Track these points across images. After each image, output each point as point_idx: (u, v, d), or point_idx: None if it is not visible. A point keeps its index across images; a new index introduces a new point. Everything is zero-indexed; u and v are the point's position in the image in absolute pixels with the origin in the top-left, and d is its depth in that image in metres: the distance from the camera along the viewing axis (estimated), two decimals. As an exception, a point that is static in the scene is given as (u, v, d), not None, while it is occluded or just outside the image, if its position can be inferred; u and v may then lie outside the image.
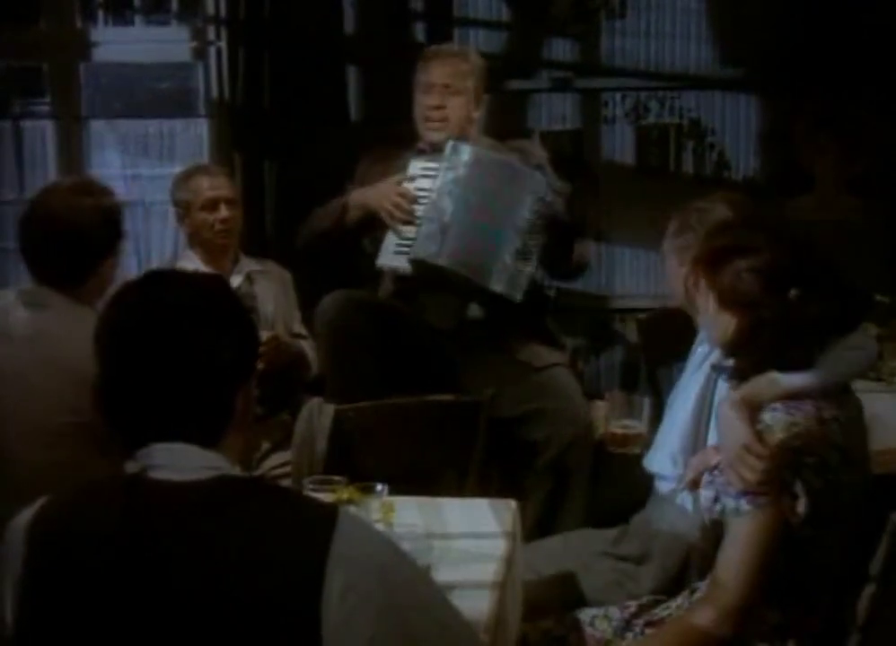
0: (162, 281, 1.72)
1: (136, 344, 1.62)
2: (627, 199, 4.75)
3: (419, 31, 4.65)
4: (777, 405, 2.17)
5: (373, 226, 3.62)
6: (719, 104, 4.75)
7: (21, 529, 1.65)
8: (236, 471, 1.67)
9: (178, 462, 1.62)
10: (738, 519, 2.14)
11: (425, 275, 3.55)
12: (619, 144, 4.81)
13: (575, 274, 3.87)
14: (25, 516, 1.66)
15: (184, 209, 3.76)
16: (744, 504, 2.13)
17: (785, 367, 2.19)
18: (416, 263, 3.52)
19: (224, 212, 3.73)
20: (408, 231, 3.53)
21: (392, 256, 3.56)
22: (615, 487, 3.30)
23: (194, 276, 1.79)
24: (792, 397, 2.17)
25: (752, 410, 2.16)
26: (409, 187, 3.56)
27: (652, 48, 4.73)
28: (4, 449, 2.65)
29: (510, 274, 3.47)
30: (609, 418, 2.80)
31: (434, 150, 3.64)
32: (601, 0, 4.69)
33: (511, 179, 3.51)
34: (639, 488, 2.90)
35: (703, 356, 2.77)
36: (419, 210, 3.53)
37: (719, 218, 2.68)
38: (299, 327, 3.89)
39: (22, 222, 2.81)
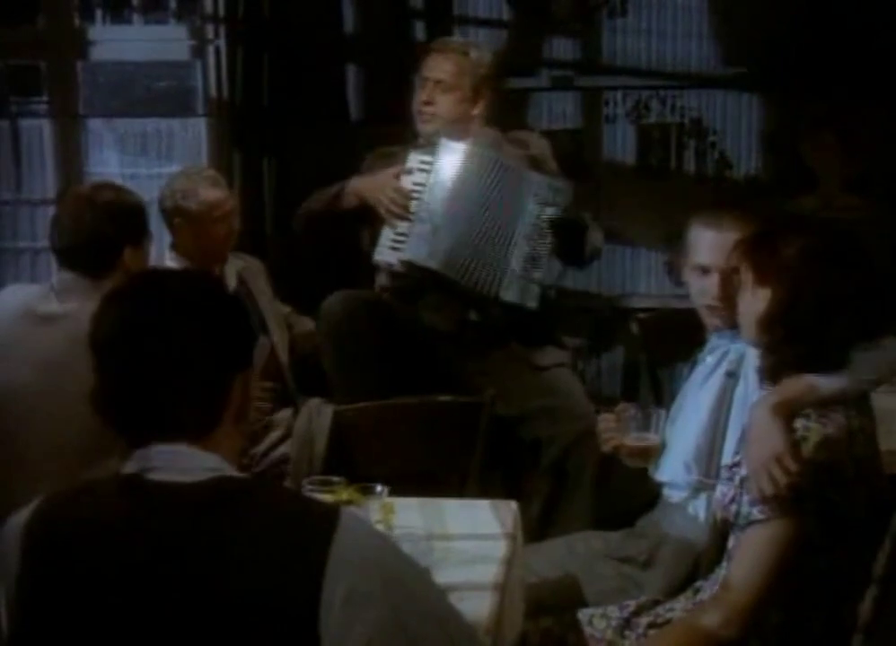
0: (150, 278, 1.77)
1: (125, 339, 1.64)
2: (628, 199, 4.74)
3: (419, 30, 4.64)
4: (810, 411, 2.14)
5: (370, 217, 3.60)
6: (721, 103, 4.73)
7: (17, 529, 1.64)
8: (234, 472, 1.66)
9: (176, 464, 1.61)
10: (751, 527, 2.13)
11: (417, 276, 3.53)
12: (621, 144, 4.80)
13: (589, 262, 3.83)
14: (21, 516, 1.65)
15: (186, 218, 3.59)
16: (756, 513, 2.12)
17: (821, 361, 2.16)
18: (406, 264, 3.51)
19: (235, 224, 3.66)
20: (404, 226, 3.51)
21: (388, 251, 3.54)
22: (618, 491, 3.28)
23: (181, 273, 1.88)
24: (826, 402, 2.14)
25: (788, 416, 2.14)
26: (407, 179, 3.54)
27: (653, 47, 4.71)
28: (33, 430, 2.72)
29: (522, 282, 3.45)
30: (624, 431, 2.77)
31: (431, 144, 3.62)
32: (601, -2, 4.69)
33: (510, 183, 3.49)
34: (643, 492, 2.88)
35: (713, 365, 2.75)
36: (413, 206, 3.51)
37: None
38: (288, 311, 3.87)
39: (51, 222, 3.01)
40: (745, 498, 2.16)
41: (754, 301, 2.25)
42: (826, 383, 2.15)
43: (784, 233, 2.26)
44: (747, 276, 2.28)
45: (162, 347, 1.61)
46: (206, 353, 1.63)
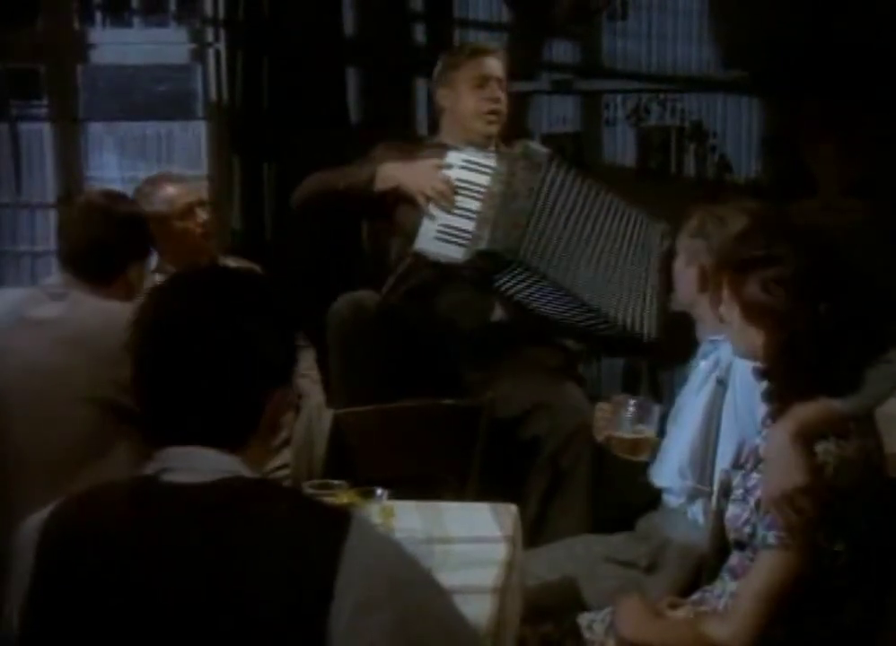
0: (205, 274, 1.72)
1: (172, 334, 1.61)
2: (627, 202, 4.73)
3: (419, 33, 4.63)
4: (829, 435, 2.12)
5: (382, 205, 3.56)
6: (721, 106, 4.73)
7: (32, 531, 1.64)
8: (248, 474, 1.64)
9: (193, 465, 1.60)
10: (766, 550, 2.12)
11: (481, 268, 3.44)
12: (620, 147, 4.79)
13: None
14: (37, 518, 1.65)
15: (154, 222, 3.43)
16: (772, 539, 2.10)
17: (832, 386, 2.14)
18: (483, 254, 3.39)
19: (202, 215, 3.63)
20: (449, 219, 3.45)
21: (434, 242, 3.46)
22: (616, 491, 3.28)
23: (238, 272, 1.79)
24: (844, 423, 2.13)
25: (807, 443, 2.11)
26: (449, 174, 3.52)
27: (653, 50, 4.71)
28: (25, 435, 2.72)
29: (648, 313, 3.48)
30: (617, 423, 2.77)
31: (473, 145, 3.61)
32: (602, 1, 4.68)
33: (618, 211, 3.56)
34: (642, 493, 2.88)
35: (707, 370, 2.75)
36: (465, 202, 3.47)
37: (736, 230, 2.63)
38: None
39: (60, 224, 3.06)
40: (761, 521, 2.15)
41: (744, 334, 2.24)
42: (841, 405, 2.13)
43: (765, 263, 2.19)
44: (732, 305, 2.25)
45: (207, 343, 1.59)
46: (249, 360, 1.60)
